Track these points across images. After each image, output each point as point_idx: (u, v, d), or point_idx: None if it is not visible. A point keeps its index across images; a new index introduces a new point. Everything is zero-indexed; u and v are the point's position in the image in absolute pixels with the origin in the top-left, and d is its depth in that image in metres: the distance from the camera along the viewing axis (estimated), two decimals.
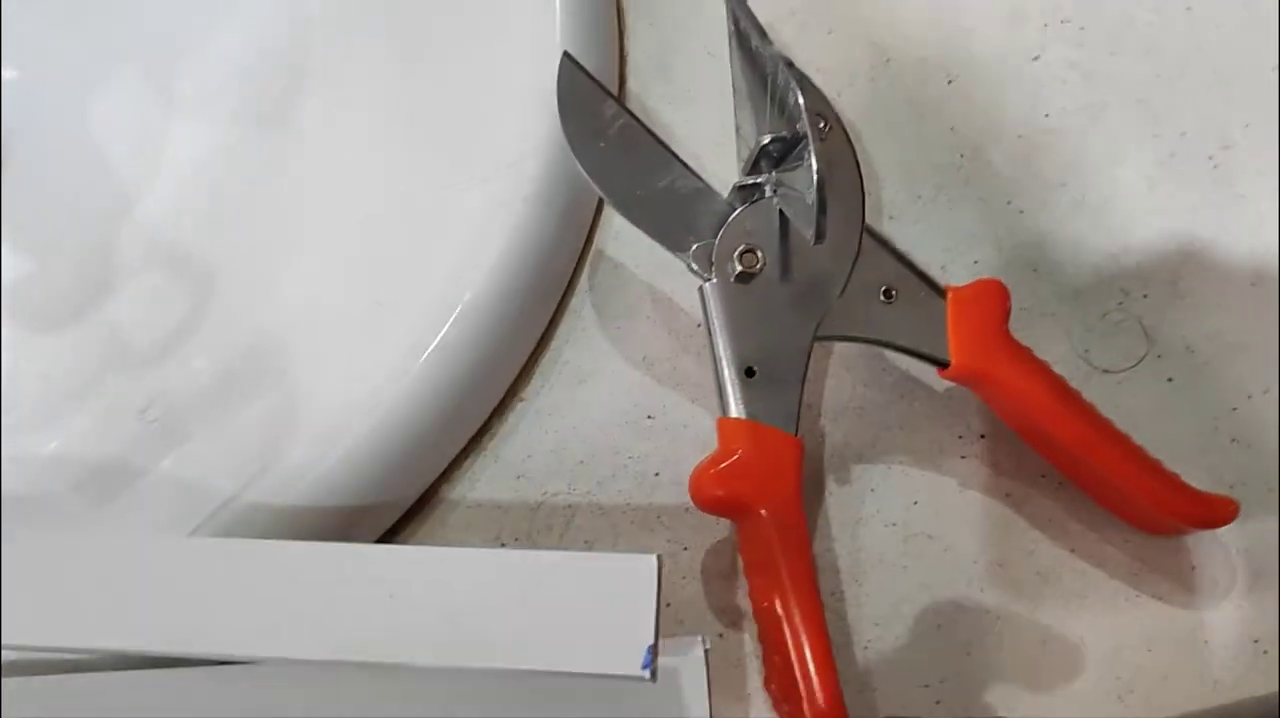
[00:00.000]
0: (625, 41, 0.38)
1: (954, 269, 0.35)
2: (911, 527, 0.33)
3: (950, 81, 0.37)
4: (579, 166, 0.32)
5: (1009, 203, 0.36)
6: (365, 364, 0.34)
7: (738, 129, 0.35)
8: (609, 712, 0.28)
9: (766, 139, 0.30)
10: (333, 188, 0.39)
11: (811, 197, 0.29)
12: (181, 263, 0.45)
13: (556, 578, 0.25)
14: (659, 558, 0.25)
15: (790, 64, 0.30)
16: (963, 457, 0.34)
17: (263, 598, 0.26)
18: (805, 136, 0.30)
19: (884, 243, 0.32)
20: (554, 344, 0.35)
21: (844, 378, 0.34)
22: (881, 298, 0.32)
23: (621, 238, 0.36)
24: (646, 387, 0.34)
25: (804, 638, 0.28)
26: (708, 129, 0.36)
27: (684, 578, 0.33)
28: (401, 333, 0.34)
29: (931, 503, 0.33)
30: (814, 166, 0.29)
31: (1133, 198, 0.35)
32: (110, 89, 0.48)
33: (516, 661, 0.25)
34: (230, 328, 0.40)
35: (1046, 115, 0.37)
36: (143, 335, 0.44)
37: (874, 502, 0.33)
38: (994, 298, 0.32)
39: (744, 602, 0.32)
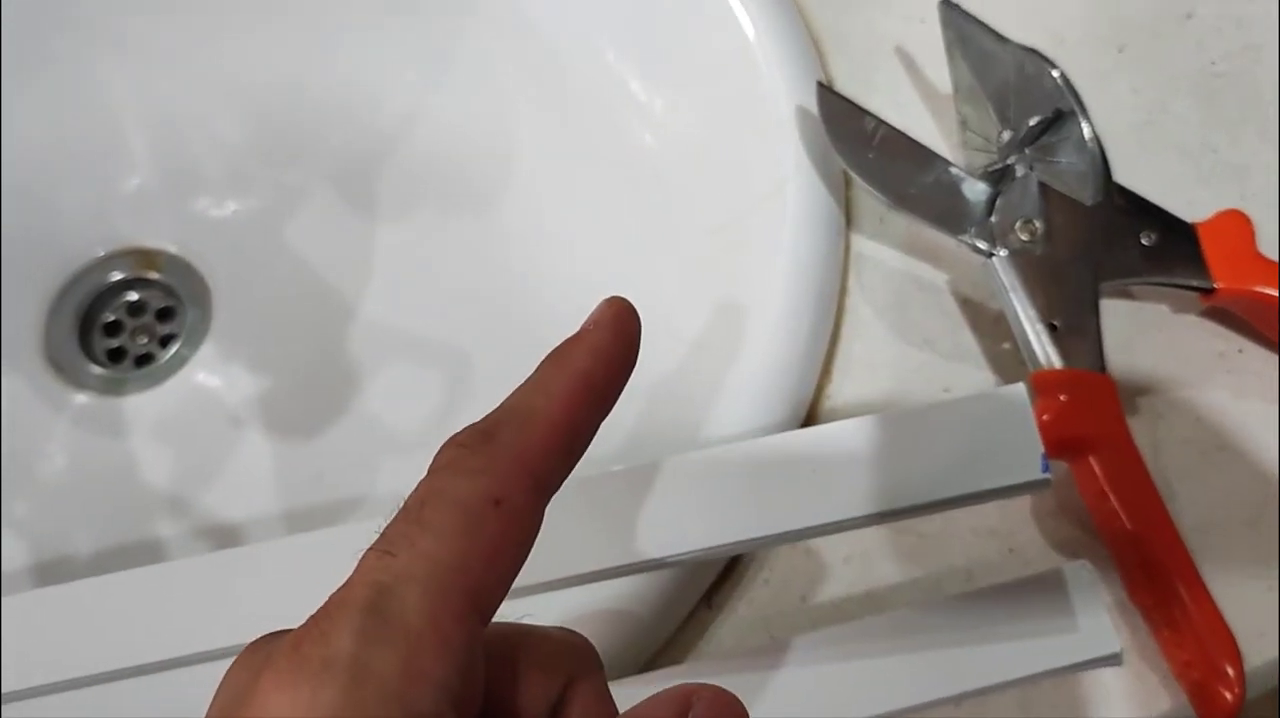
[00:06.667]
0: (828, 70, 0.43)
1: (1174, 211, 0.39)
2: (1205, 442, 0.36)
3: (1121, 50, 0.42)
4: (856, 177, 0.36)
5: (1203, 144, 0.40)
6: (684, 400, 0.37)
7: (963, 122, 0.38)
8: (1017, 630, 0.31)
9: (1034, 120, 0.34)
10: (587, 258, 0.42)
11: (1083, 165, 0.33)
12: (423, 349, 0.49)
13: (942, 424, 0.29)
14: (1024, 384, 0.29)
15: (1041, 54, 0.34)
16: (1229, 371, 0.37)
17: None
18: (1064, 114, 0.34)
19: (1129, 193, 0.36)
20: (842, 344, 0.38)
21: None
22: (1143, 241, 0.36)
23: (875, 238, 0.40)
24: (935, 364, 0.38)
25: (1174, 558, 0.32)
26: (920, 128, 0.40)
27: (1017, 522, 0.36)
28: (709, 367, 0.37)
29: (1215, 418, 0.37)
30: (1089, 136, 0.33)
31: None
32: (309, 208, 0.52)
33: (934, 494, 0.28)
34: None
35: (1213, 63, 0.41)
36: (406, 421, 0.47)
37: (1164, 427, 0.37)
38: (1239, 225, 0.36)
39: (1076, 532, 0.35)
